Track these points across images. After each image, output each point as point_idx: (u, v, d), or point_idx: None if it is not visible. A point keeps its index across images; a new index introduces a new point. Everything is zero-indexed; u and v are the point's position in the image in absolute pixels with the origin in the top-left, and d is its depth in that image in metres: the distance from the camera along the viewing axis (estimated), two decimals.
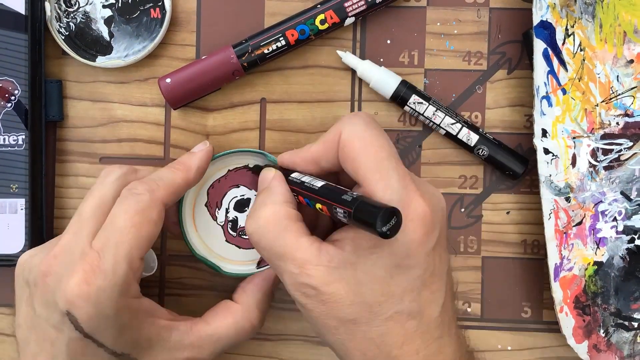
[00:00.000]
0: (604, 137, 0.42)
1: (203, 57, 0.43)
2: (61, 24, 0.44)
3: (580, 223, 0.42)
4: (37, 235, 0.44)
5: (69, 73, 0.45)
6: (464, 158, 0.45)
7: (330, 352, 0.45)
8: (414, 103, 0.43)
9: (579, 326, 0.42)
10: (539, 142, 0.42)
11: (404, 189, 0.33)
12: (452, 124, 0.43)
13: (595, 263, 0.42)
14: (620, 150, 0.42)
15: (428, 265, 0.33)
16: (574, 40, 0.41)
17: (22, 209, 0.43)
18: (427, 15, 0.44)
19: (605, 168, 0.42)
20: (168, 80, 0.42)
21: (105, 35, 0.44)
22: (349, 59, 0.44)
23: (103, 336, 0.34)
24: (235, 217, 0.43)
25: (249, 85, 0.45)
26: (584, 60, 0.41)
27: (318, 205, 0.34)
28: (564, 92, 0.42)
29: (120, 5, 0.44)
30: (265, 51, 0.42)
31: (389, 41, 0.45)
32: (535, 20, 0.41)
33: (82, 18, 0.44)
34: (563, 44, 0.41)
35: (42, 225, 0.44)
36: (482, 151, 0.43)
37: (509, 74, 0.45)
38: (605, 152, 0.42)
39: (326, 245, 0.34)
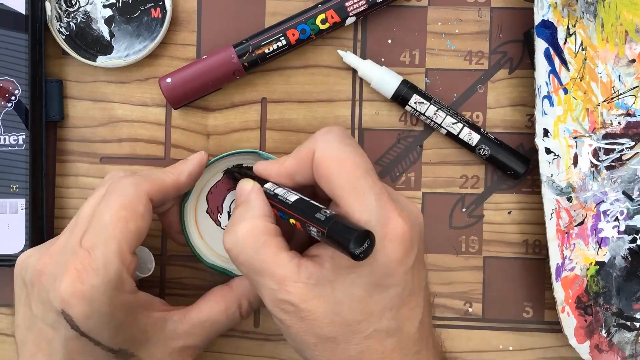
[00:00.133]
0: (606, 136, 0.42)
1: (204, 57, 0.43)
2: (62, 24, 0.44)
3: (582, 223, 0.42)
4: (38, 235, 0.44)
5: (70, 73, 0.45)
6: (465, 158, 0.45)
7: None
8: (415, 103, 0.43)
9: (580, 326, 0.42)
10: (540, 142, 0.42)
11: (381, 208, 0.32)
12: (454, 123, 0.43)
13: (597, 263, 0.42)
14: (622, 150, 0.42)
15: (407, 283, 0.33)
16: (575, 39, 0.41)
17: (22, 209, 0.43)
18: (428, 15, 0.44)
19: (607, 168, 0.42)
20: (169, 80, 0.42)
21: (106, 35, 0.44)
22: (350, 58, 0.44)
23: (99, 334, 0.34)
24: None
25: (249, 85, 0.45)
26: (585, 59, 0.41)
27: (292, 220, 0.34)
28: (566, 91, 0.41)
29: (120, 4, 0.44)
30: (266, 51, 0.42)
31: (390, 41, 0.44)
32: (537, 19, 0.41)
33: (82, 18, 0.44)
34: (564, 43, 0.41)
35: (43, 225, 0.44)
36: (483, 151, 0.43)
37: (510, 73, 0.44)
38: (607, 151, 0.42)
39: (305, 261, 0.33)
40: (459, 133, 0.43)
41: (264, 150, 0.44)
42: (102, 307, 0.33)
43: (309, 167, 0.35)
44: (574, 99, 0.41)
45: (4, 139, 0.43)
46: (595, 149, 0.42)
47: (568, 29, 0.41)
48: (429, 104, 0.43)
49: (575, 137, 0.42)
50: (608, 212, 0.42)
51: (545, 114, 0.41)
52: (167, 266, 0.45)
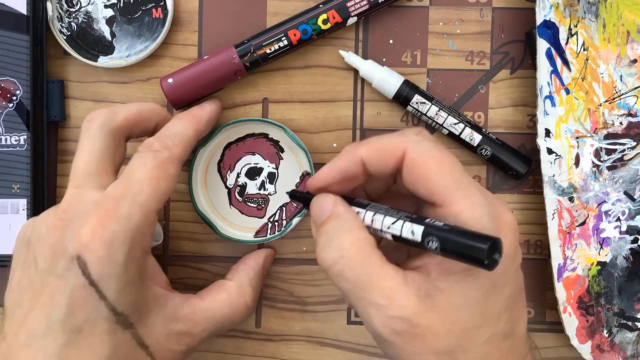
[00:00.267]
0: (608, 136, 0.42)
1: (205, 57, 0.43)
2: (63, 24, 0.44)
3: (583, 223, 0.42)
4: None
5: (71, 73, 0.45)
6: (466, 158, 0.45)
7: (332, 353, 0.46)
8: (417, 103, 0.43)
9: (582, 326, 0.42)
10: (542, 142, 0.42)
11: (490, 203, 0.31)
12: (455, 123, 0.43)
13: (599, 263, 0.42)
14: (624, 150, 0.42)
15: (518, 281, 0.32)
16: (577, 39, 0.41)
17: (23, 210, 0.43)
18: (429, 15, 0.44)
19: (609, 168, 0.42)
20: (170, 80, 0.42)
21: (107, 35, 0.44)
22: (352, 58, 0.44)
23: (108, 286, 0.33)
24: (245, 182, 0.44)
25: (251, 85, 0.45)
26: (587, 59, 0.41)
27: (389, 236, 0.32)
28: (567, 91, 0.41)
29: (122, 5, 0.44)
30: (268, 51, 0.42)
31: (391, 41, 0.44)
32: (539, 19, 0.41)
33: (83, 18, 0.44)
34: (566, 43, 0.41)
35: None
36: (485, 151, 0.43)
37: (511, 73, 0.44)
38: (609, 152, 0.42)
39: (410, 273, 0.31)
40: (460, 133, 0.43)
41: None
42: (118, 255, 0.33)
43: (388, 161, 0.33)
44: (576, 99, 0.41)
45: (5, 139, 0.43)
46: (596, 149, 0.42)
47: (570, 29, 0.41)
48: (430, 104, 0.43)
49: (577, 138, 0.42)
50: (610, 213, 0.42)
51: (547, 114, 0.41)
52: (169, 266, 0.45)
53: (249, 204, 0.43)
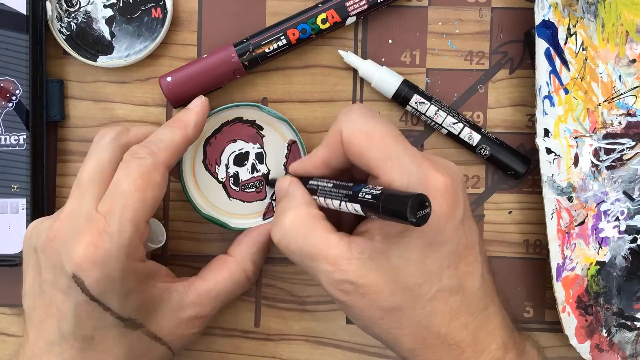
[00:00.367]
0: (606, 136, 0.42)
1: (204, 56, 0.43)
2: (62, 24, 0.44)
3: (582, 223, 0.42)
4: None
5: (70, 73, 0.45)
6: (465, 158, 0.45)
7: (331, 353, 0.46)
8: (416, 103, 0.43)
9: (581, 326, 0.42)
10: (541, 142, 0.42)
11: (418, 168, 0.33)
12: (454, 123, 0.43)
13: (598, 263, 0.42)
14: (623, 150, 0.42)
15: (459, 238, 0.33)
16: (576, 39, 0.41)
17: (23, 209, 0.43)
18: (428, 15, 0.44)
19: (608, 168, 0.42)
20: (169, 78, 0.42)
21: (107, 35, 0.44)
22: (351, 58, 0.44)
23: (109, 299, 0.34)
24: (236, 171, 0.43)
25: (250, 84, 0.45)
26: (586, 59, 0.41)
27: (340, 206, 0.34)
28: (566, 91, 0.41)
29: (121, 5, 0.44)
30: (267, 50, 0.42)
31: (390, 41, 0.44)
32: (537, 19, 0.41)
33: (83, 18, 0.44)
34: (565, 43, 0.41)
35: None
36: (484, 151, 0.43)
37: (510, 73, 0.44)
38: (608, 151, 0.42)
39: (355, 239, 0.34)
40: (459, 133, 0.43)
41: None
42: (114, 273, 0.34)
43: (340, 150, 0.35)
44: (575, 99, 0.42)
45: (5, 139, 0.43)
46: (595, 148, 0.42)
47: (569, 29, 0.41)
48: (429, 104, 0.43)
49: (576, 137, 0.42)
50: (609, 212, 0.42)
51: (546, 114, 0.41)
52: (169, 266, 0.45)
53: (247, 190, 0.43)
